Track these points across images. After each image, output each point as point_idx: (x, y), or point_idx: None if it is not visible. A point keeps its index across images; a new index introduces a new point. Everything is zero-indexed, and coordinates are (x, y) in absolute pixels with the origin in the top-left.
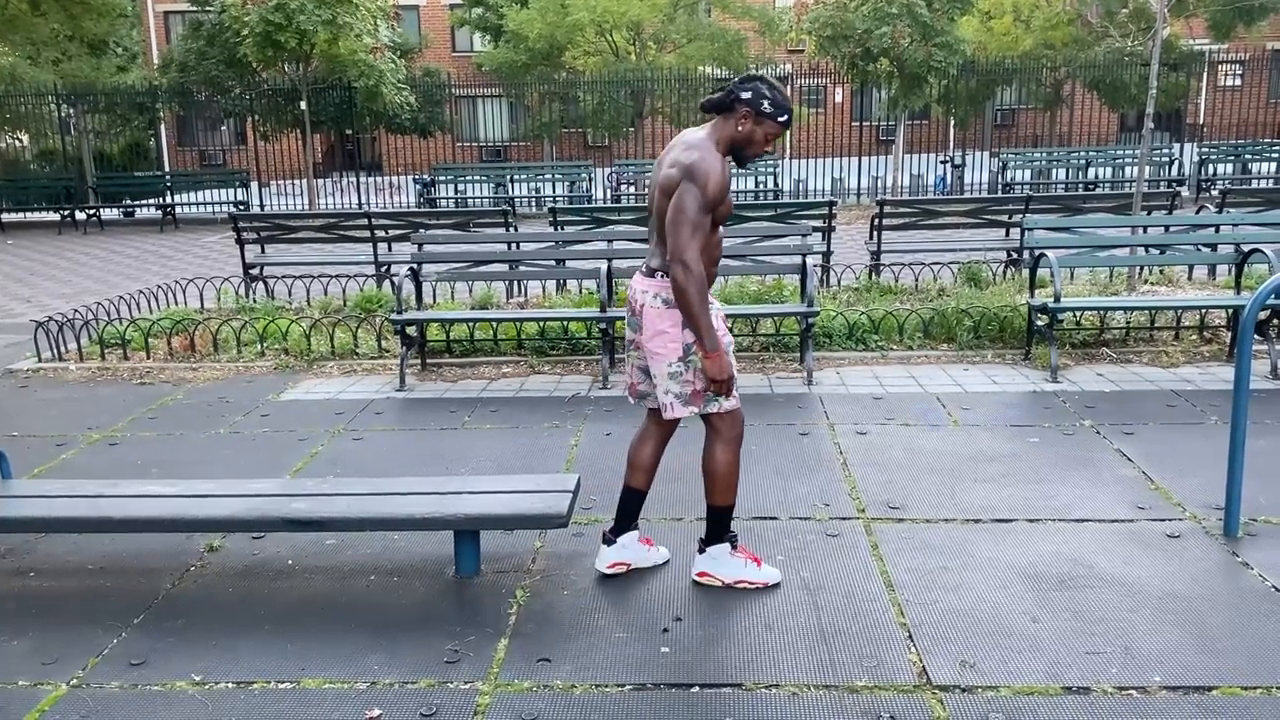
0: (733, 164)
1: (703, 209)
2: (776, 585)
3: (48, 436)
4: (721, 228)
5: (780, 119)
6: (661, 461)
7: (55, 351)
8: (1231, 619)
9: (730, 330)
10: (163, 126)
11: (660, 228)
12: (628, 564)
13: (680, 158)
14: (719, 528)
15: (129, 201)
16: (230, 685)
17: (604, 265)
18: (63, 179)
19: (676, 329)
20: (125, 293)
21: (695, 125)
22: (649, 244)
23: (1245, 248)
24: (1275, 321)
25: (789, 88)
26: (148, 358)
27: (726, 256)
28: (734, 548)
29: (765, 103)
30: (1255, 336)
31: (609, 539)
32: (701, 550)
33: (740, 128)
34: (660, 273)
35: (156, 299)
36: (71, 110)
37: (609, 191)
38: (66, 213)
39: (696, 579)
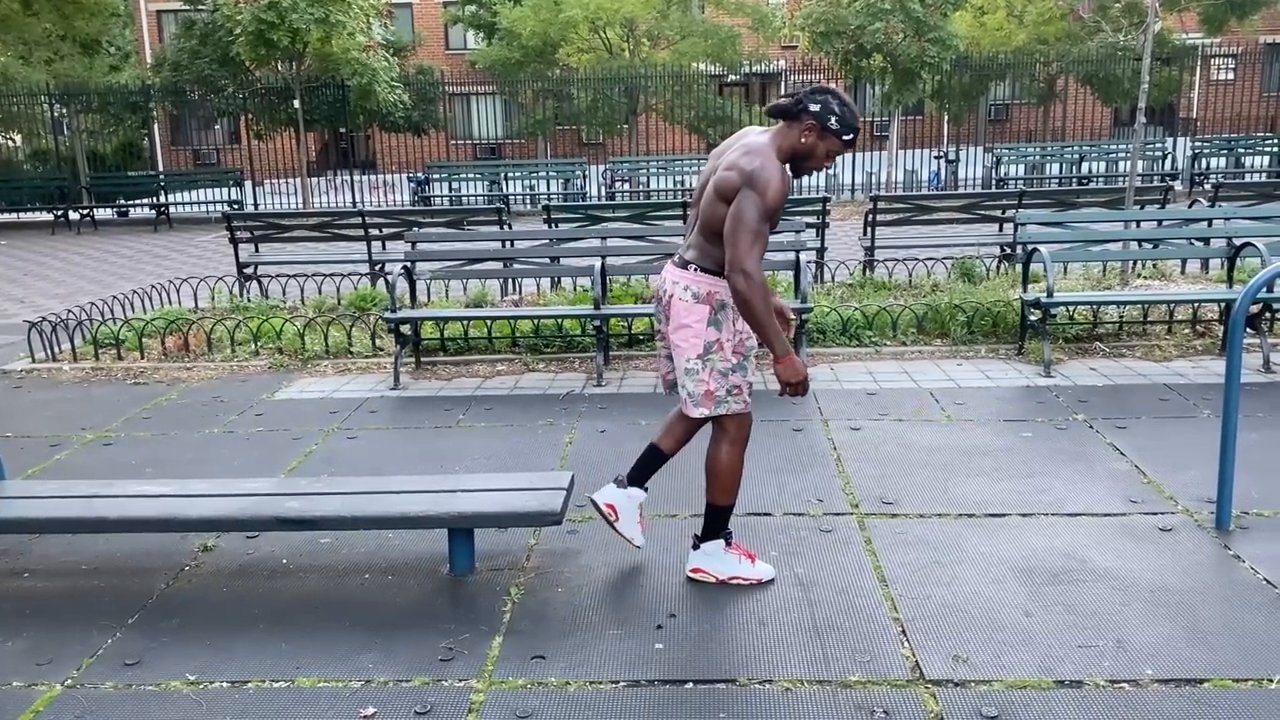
0: (791, 171)
1: (763, 218)
2: (770, 581)
3: (42, 437)
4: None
5: (845, 137)
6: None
7: (49, 352)
8: (1223, 612)
9: None
10: (156, 126)
11: (705, 226)
12: (617, 512)
13: (740, 162)
14: (716, 525)
15: (123, 201)
16: (225, 685)
17: (598, 263)
18: (56, 179)
19: (701, 324)
20: (119, 292)
21: (687, 124)
22: (685, 237)
23: (1237, 241)
24: (1267, 315)
25: (783, 84)
26: (142, 358)
27: None
28: (728, 544)
29: (833, 119)
30: (1247, 330)
31: (621, 482)
32: (696, 547)
33: (804, 140)
34: (695, 266)
35: (150, 299)
36: (64, 110)
37: (603, 189)
38: (60, 213)
39: (690, 575)
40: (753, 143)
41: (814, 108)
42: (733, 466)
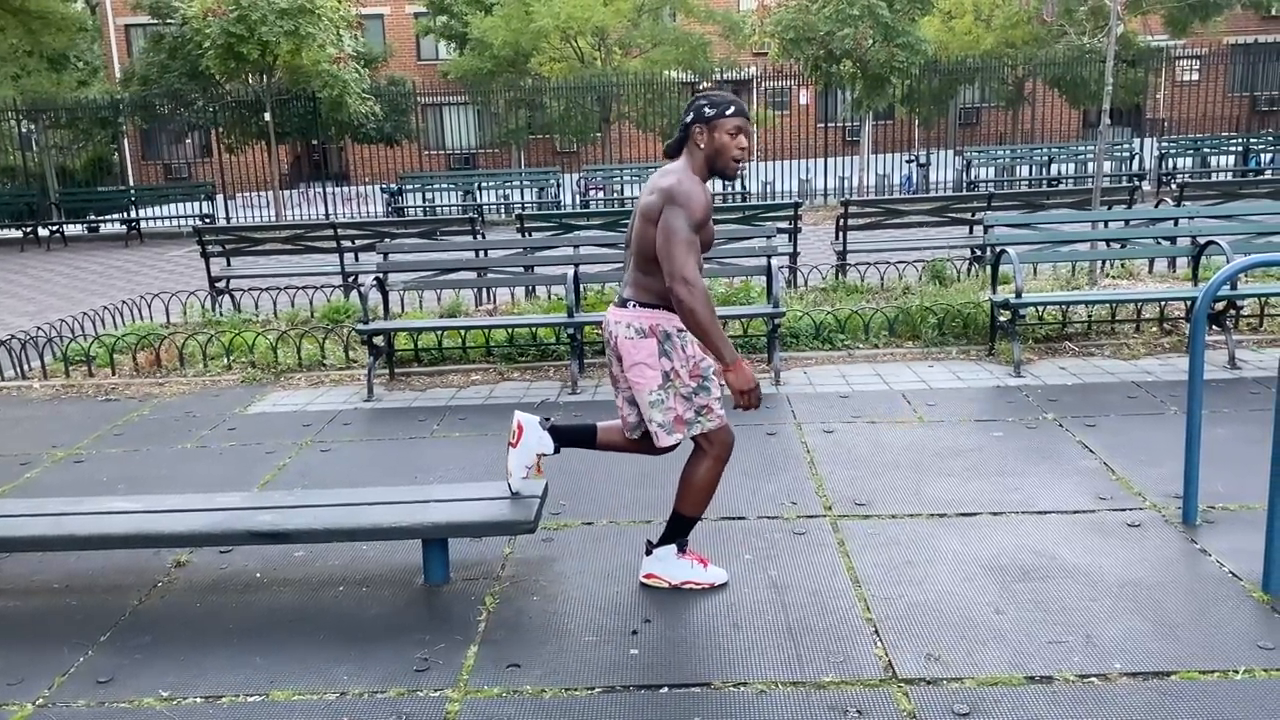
0: (721, 181)
1: (692, 228)
2: (724, 585)
3: (11, 455)
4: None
5: (729, 112)
6: (637, 465)
7: (18, 369)
8: (1190, 605)
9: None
10: (126, 140)
11: (638, 257)
12: (520, 438)
13: (659, 183)
14: (676, 533)
15: (93, 217)
16: (198, 700)
17: (572, 270)
18: (24, 195)
19: (653, 357)
20: (90, 309)
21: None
22: (624, 275)
23: (1202, 240)
24: (1232, 312)
25: (754, 90)
26: (113, 374)
27: None
28: (681, 550)
29: (706, 108)
30: (1213, 327)
31: (545, 424)
32: (649, 552)
33: (702, 145)
34: (633, 302)
35: (121, 314)
36: (32, 125)
37: (577, 197)
38: (29, 229)
39: (643, 580)
40: (667, 168)
41: (689, 118)
42: (709, 482)
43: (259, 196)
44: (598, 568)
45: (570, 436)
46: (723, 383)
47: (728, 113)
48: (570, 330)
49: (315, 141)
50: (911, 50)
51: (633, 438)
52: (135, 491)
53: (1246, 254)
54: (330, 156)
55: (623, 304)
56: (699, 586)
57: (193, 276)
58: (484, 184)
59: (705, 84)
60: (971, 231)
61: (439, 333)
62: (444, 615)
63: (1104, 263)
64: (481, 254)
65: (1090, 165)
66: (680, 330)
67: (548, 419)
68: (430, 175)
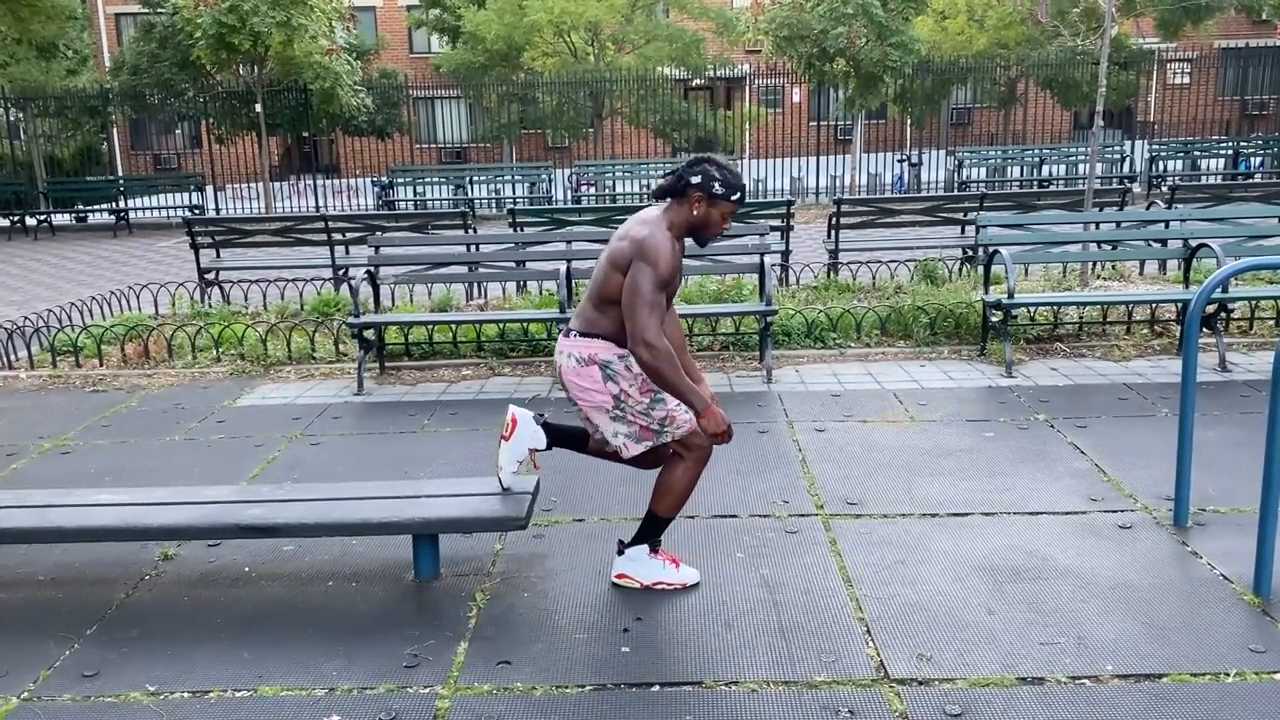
0: (693, 243)
1: (657, 288)
2: (695, 585)
3: None
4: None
5: (733, 198)
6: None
7: (5, 360)
8: (1181, 607)
9: (691, 329)
10: (115, 130)
11: (595, 294)
12: (513, 432)
13: (633, 231)
14: (649, 534)
15: (81, 207)
16: (185, 695)
17: (564, 266)
18: (12, 184)
19: (597, 384)
20: (78, 299)
21: (653, 128)
22: (580, 305)
23: (1193, 243)
24: (1223, 315)
25: (747, 88)
26: (101, 365)
27: (686, 256)
28: (654, 551)
29: (716, 185)
30: (1204, 330)
31: (539, 419)
32: (620, 552)
33: (695, 211)
34: (574, 332)
35: (110, 305)
36: (21, 114)
37: (569, 193)
38: (16, 219)
39: (615, 580)
40: (646, 215)
41: (695, 180)
42: (687, 485)
43: (249, 188)
44: (589, 565)
45: (563, 436)
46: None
47: (733, 197)
48: (562, 326)
49: (306, 134)
50: (904, 50)
51: (609, 451)
52: (122, 484)
53: (1237, 257)
54: (321, 149)
55: (567, 334)
56: (671, 587)
57: (182, 268)
58: (475, 178)
59: (698, 80)
60: (963, 231)
61: (430, 327)
62: (434, 611)
63: (1094, 264)
64: (473, 248)
65: (1081, 167)
66: (621, 355)
67: (542, 415)
68: (421, 169)
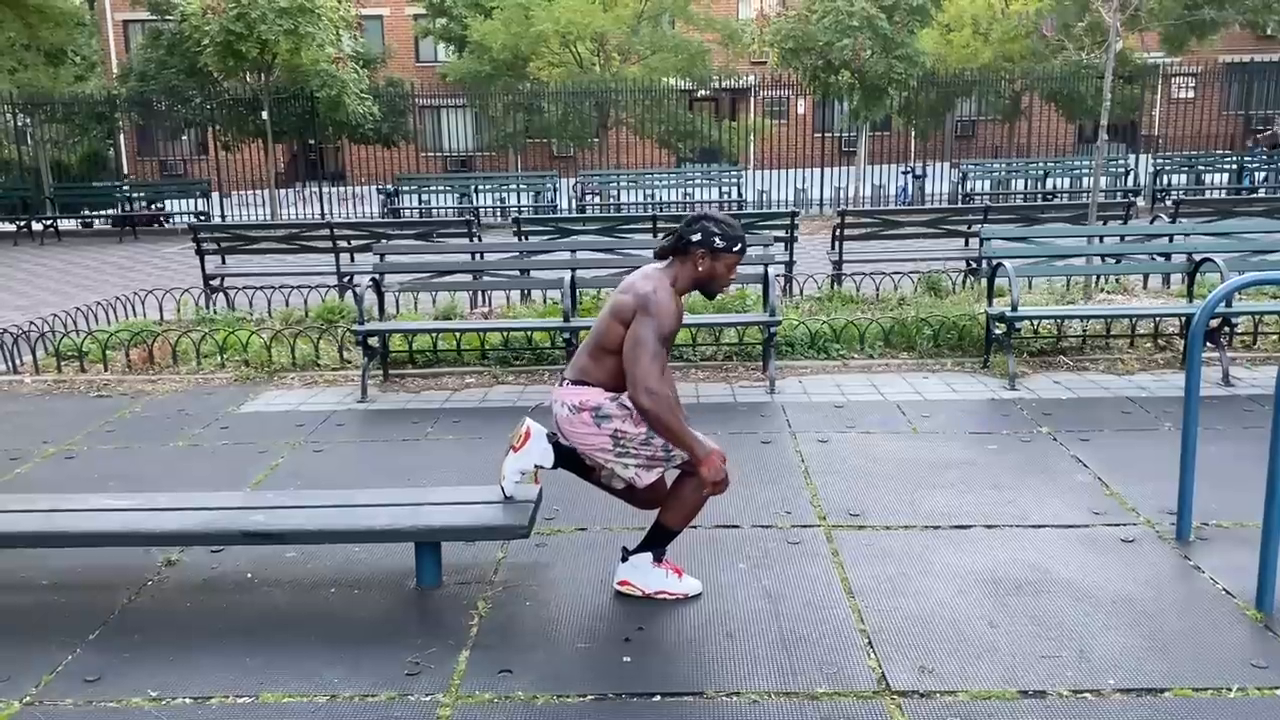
0: (702, 295)
1: (660, 340)
2: (698, 596)
3: (1, 451)
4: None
5: (735, 249)
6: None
7: (10, 364)
8: (1183, 622)
9: (694, 339)
10: (122, 136)
11: (593, 345)
12: (528, 441)
13: (637, 285)
14: (654, 543)
15: (87, 212)
16: (187, 700)
17: (568, 275)
18: (19, 189)
19: (591, 428)
20: (83, 304)
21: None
22: (576, 356)
23: (1197, 257)
24: (1226, 329)
25: (752, 99)
26: (105, 370)
27: None
28: (658, 560)
29: (716, 239)
30: (1207, 344)
31: (553, 439)
32: (625, 559)
33: (700, 267)
34: (568, 381)
35: (115, 310)
36: (28, 120)
37: (574, 202)
38: (23, 223)
39: (617, 587)
40: (649, 270)
41: (696, 237)
42: (698, 502)
43: (254, 195)
44: (591, 574)
45: (571, 459)
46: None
47: (734, 249)
48: (566, 335)
49: (312, 141)
50: (910, 62)
51: (617, 488)
52: (126, 489)
53: (1241, 272)
54: (327, 156)
55: (562, 383)
56: (673, 597)
57: (187, 274)
58: (480, 187)
59: (703, 91)
60: (967, 244)
61: (434, 335)
62: (436, 619)
63: (1098, 277)
64: (478, 257)
65: (1085, 180)
66: (612, 398)
67: (555, 434)
68: (427, 177)
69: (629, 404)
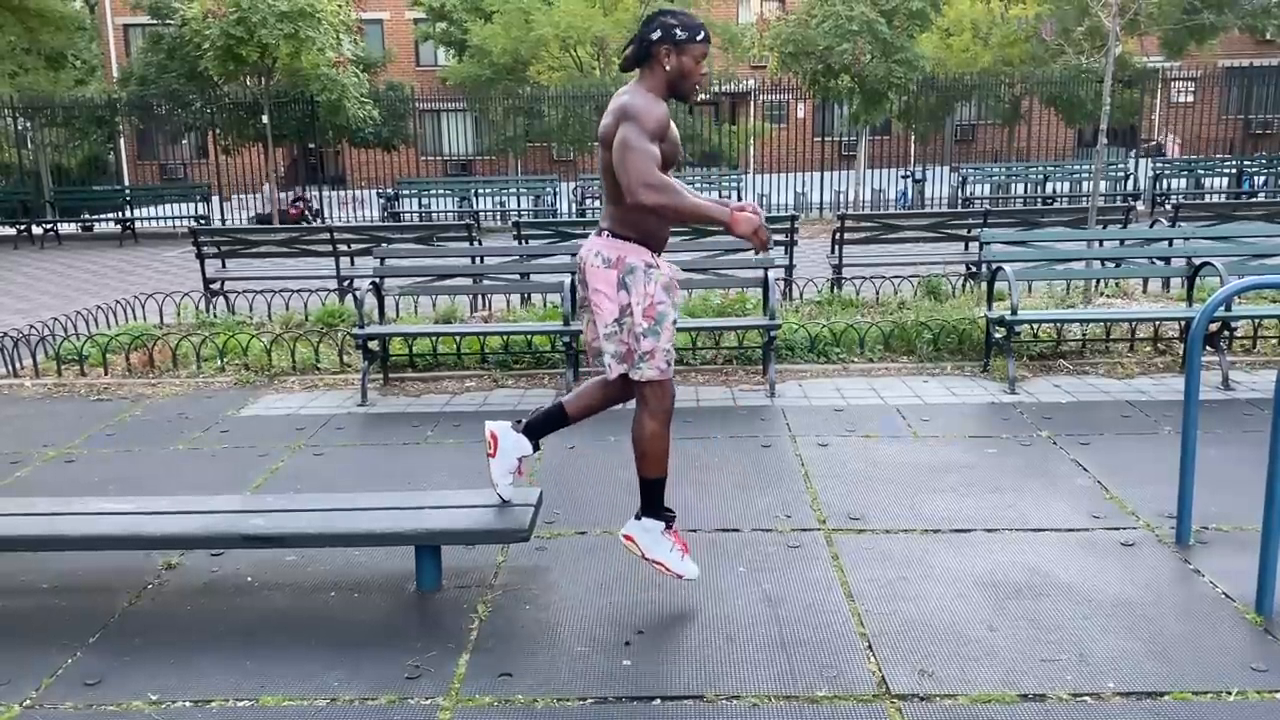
0: (678, 102)
1: (649, 137)
2: (692, 580)
3: (2, 454)
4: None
5: (699, 39)
6: (631, 474)
7: (10, 368)
8: (1183, 625)
9: (694, 342)
10: (122, 140)
11: (610, 185)
12: (496, 448)
13: (612, 106)
14: (650, 500)
15: (87, 216)
16: (187, 704)
17: (568, 279)
18: (19, 193)
19: (611, 289)
20: (83, 307)
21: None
22: (605, 207)
23: (1196, 261)
24: (1226, 333)
25: (752, 103)
26: (105, 374)
27: (690, 270)
28: (668, 527)
29: (676, 30)
30: (1206, 348)
31: (518, 425)
32: (638, 517)
33: (668, 66)
34: (606, 231)
35: (115, 314)
36: (29, 123)
37: (574, 205)
38: (23, 227)
39: (622, 539)
40: (621, 90)
41: (656, 35)
42: (655, 437)
43: (255, 198)
44: (591, 577)
45: (543, 427)
46: (673, 334)
47: (698, 38)
48: (566, 338)
49: (312, 145)
50: (909, 66)
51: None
52: (126, 492)
53: (1241, 275)
54: (327, 160)
55: (599, 233)
56: (667, 573)
57: (187, 277)
58: (481, 190)
59: (703, 95)
60: (967, 248)
61: (434, 338)
62: (436, 623)
63: (1097, 281)
64: (478, 260)
65: (1085, 184)
66: (648, 266)
67: (519, 421)
68: (427, 181)
69: (653, 286)
